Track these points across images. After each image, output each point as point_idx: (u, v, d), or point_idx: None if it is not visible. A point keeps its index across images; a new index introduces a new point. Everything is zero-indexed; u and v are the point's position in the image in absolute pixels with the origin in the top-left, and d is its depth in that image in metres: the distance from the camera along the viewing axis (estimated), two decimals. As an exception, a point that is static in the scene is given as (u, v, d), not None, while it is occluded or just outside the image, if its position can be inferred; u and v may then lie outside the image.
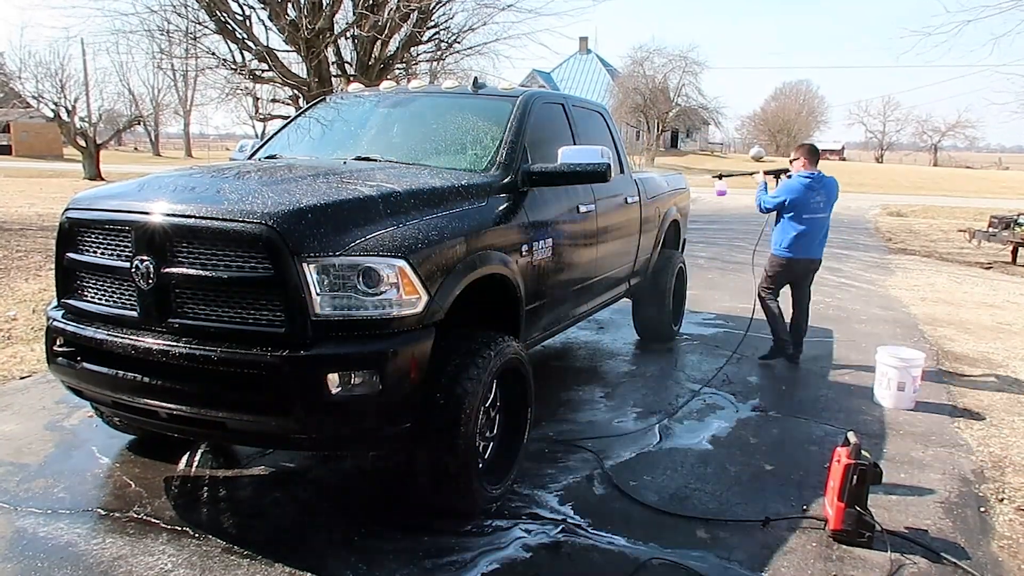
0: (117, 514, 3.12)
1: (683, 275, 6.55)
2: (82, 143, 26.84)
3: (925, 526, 3.24)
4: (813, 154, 5.49)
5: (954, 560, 2.95)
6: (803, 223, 5.39)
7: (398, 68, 15.23)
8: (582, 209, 4.38)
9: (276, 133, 4.84)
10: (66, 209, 3.12)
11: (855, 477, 3.04)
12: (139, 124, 37.72)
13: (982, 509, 3.44)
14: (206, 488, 3.42)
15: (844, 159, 73.19)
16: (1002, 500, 3.54)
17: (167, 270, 2.75)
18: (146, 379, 2.77)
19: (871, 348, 5.64)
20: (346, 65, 14.70)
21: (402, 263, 2.77)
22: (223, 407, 2.71)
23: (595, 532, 3.09)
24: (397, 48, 14.71)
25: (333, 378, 2.64)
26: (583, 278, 4.56)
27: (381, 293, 2.73)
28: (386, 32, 13.14)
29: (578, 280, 4.48)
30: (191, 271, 2.72)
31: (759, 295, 5.72)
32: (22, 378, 4.89)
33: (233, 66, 13.51)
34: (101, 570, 2.72)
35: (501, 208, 3.56)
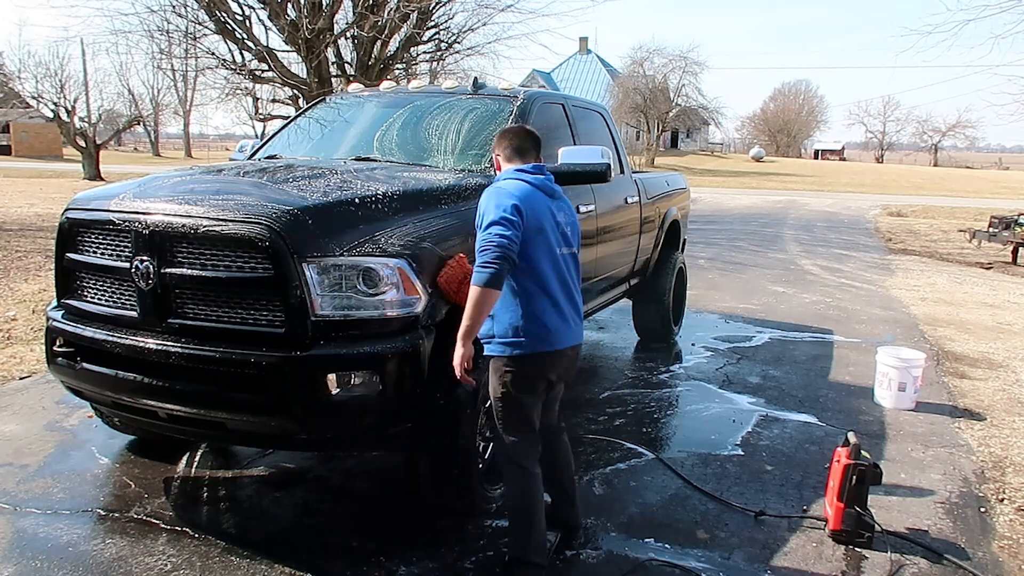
0: (117, 515, 3.12)
1: (683, 275, 6.55)
2: (82, 143, 26.85)
3: (925, 526, 3.24)
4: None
5: (954, 560, 2.95)
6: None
7: (398, 68, 15.24)
8: (582, 209, 4.37)
9: (276, 133, 4.84)
10: (66, 209, 3.12)
11: (855, 477, 3.04)
12: (139, 124, 37.71)
13: (982, 509, 3.44)
14: (206, 488, 3.42)
15: (844, 159, 73.23)
16: (1003, 500, 3.54)
17: (167, 270, 2.74)
18: (146, 380, 2.77)
19: (871, 348, 5.65)
20: (346, 65, 14.70)
21: (402, 263, 2.77)
22: (223, 408, 2.71)
23: (595, 532, 3.09)
24: (397, 48, 14.71)
25: (333, 378, 2.64)
26: (583, 278, 4.55)
27: (381, 293, 2.73)
28: (386, 32, 13.14)
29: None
30: (191, 271, 2.72)
31: (516, 464, 2.72)
32: (22, 378, 4.88)
33: (233, 66, 13.51)
34: (101, 571, 2.71)
35: (501, 208, 3.55)
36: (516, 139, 2.85)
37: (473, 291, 2.49)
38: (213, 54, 13.56)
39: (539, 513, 2.70)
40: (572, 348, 2.74)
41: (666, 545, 3.00)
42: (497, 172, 2.89)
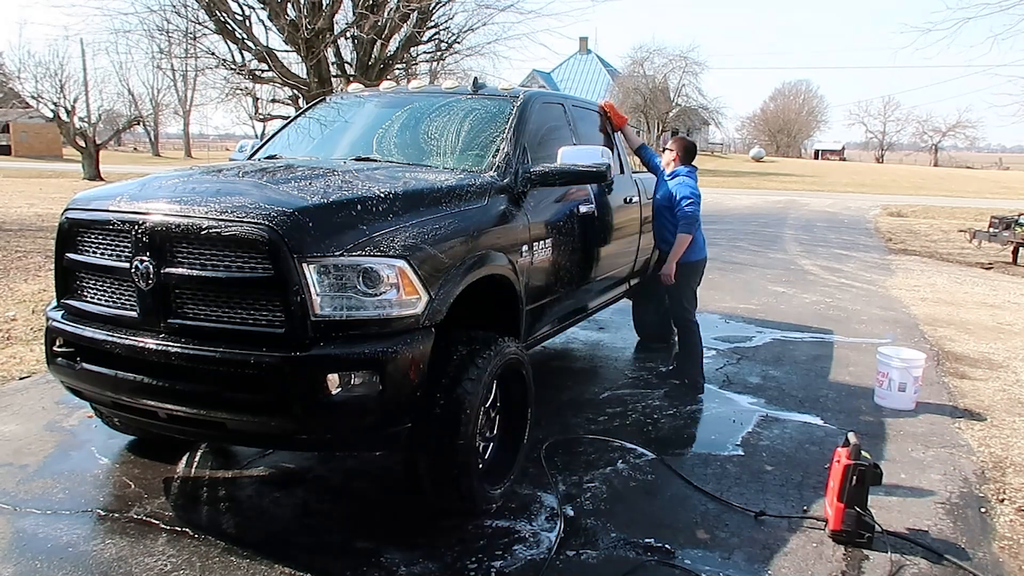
0: (117, 515, 3.12)
1: (683, 275, 6.53)
2: (81, 143, 26.85)
3: (926, 527, 3.24)
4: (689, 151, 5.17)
5: (955, 561, 2.95)
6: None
7: (398, 68, 15.25)
8: (582, 209, 4.38)
9: (276, 133, 4.83)
10: (66, 209, 3.12)
11: (855, 478, 3.04)
12: (139, 124, 37.69)
13: (983, 510, 3.44)
14: (206, 488, 3.42)
15: (844, 159, 73.24)
16: (1003, 501, 3.54)
17: (167, 270, 2.74)
18: (146, 380, 2.77)
19: (871, 348, 5.65)
20: (346, 65, 14.71)
21: (402, 263, 2.77)
22: (223, 408, 2.70)
23: (595, 532, 3.09)
24: (397, 48, 14.72)
25: (333, 379, 2.64)
26: (583, 278, 4.56)
27: (381, 294, 2.73)
28: (386, 32, 13.15)
29: (578, 280, 4.48)
30: (191, 271, 2.72)
31: (692, 320, 5.10)
32: (21, 379, 4.88)
33: (233, 66, 13.53)
34: (101, 571, 2.71)
35: (501, 208, 3.56)
36: (690, 152, 5.14)
37: (682, 237, 4.87)
38: (213, 54, 13.58)
39: (701, 349, 5.10)
40: (706, 257, 5.20)
41: (666, 545, 3.00)
42: (675, 161, 5.08)
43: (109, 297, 2.97)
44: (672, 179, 5.04)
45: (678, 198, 4.90)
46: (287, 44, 13.23)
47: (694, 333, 5.08)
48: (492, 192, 3.56)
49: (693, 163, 5.11)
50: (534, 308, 3.86)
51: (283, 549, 2.89)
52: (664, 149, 5.24)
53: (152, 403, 2.81)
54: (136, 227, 2.79)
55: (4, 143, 44.07)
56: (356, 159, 4.00)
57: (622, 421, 4.40)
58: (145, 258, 2.77)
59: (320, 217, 2.73)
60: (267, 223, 2.62)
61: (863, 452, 3.10)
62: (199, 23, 13.21)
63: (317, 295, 2.63)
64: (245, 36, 13.07)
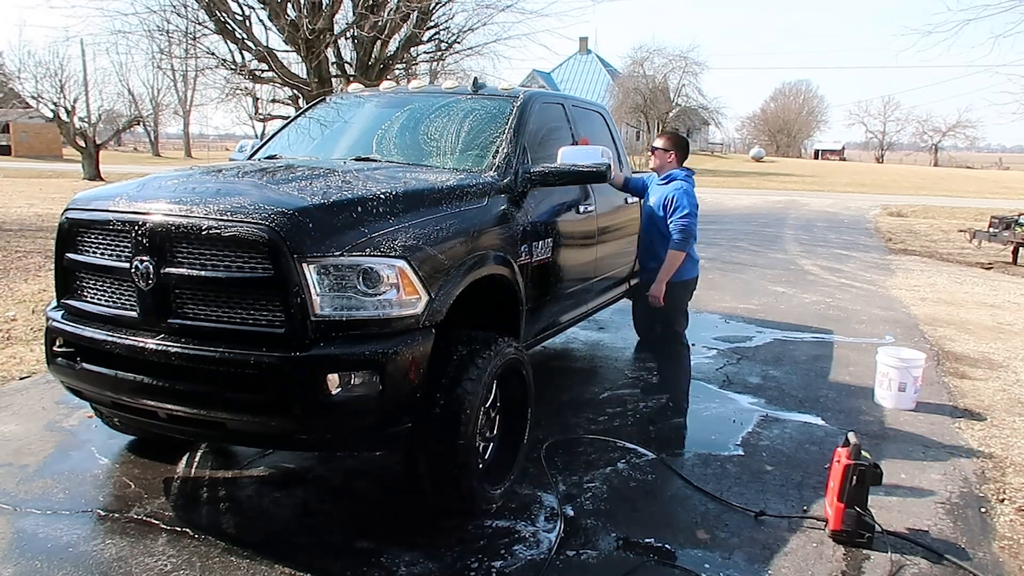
0: (117, 515, 3.12)
1: (683, 275, 6.53)
2: (81, 143, 26.85)
3: (926, 527, 3.24)
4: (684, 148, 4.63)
5: (955, 561, 2.95)
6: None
7: (398, 68, 15.26)
8: (582, 209, 4.38)
9: (276, 133, 4.83)
10: (66, 209, 3.12)
11: (855, 477, 3.03)
12: (139, 124, 37.67)
13: (983, 510, 3.44)
14: (206, 488, 3.42)
15: (844, 159, 73.22)
16: (1003, 500, 3.54)
17: (167, 270, 2.74)
18: (146, 380, 2.77)
19: (871, 348, 5.64)
20: (346, 65, 14.71)
21: (402, 263, 2.77)
22: (223, 408, 2.70)
23: (595, 532, 3.09)
24: (397, 48, 14.73)
25: (333, 379, 2.64)
26: (583, 278, 4.56)
27: (381, 294, 2.73)
28: (386, 32, 13.14)
29: (578, 280, 4.48)
30: (191, 271, 2.72)
31: (683, 343, 4.66)
32: (21, 379, 4.88)
33: (233, 66, 13.53)
34: (101, 571, 2.71)
35: (501, 208, 3.56)
36: (686, 149, 4.60)
37: (674, 254, 4.29)
38: (213, 54, 13.58)
39: (690, 374, 4.73)
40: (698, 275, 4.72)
41: (666, 545, 3.00)
42: (670, 161, 4.52)
43: (109, 297, 2.97)
44: (667, 183, 4.42)
45: (674, 207, 4.29)
46: (287, 44, 13.23)
47: (685, 359, 4.64)
48: (492, 192, 3.56)
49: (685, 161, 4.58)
50: (534, 308, 3.86)
51: (283, 549, 2.89)
52: (653, 149, 4.62)
53: (152, 403, 2.81)
54: (136, 227, 2.79)
55: (4, 143, 44.05)
56: (356, 159, 4.00)
57: (622, 421, 4.40)
58: (145, 258, 2.76)
59: (320, 217, 2.73)
60: (267, 223, 2.62)
61: (863, 452, 3.10)
62: (199, 23, 13.22)
63: (317, 295, 2.63)
64: (245, 36, 13.07)
